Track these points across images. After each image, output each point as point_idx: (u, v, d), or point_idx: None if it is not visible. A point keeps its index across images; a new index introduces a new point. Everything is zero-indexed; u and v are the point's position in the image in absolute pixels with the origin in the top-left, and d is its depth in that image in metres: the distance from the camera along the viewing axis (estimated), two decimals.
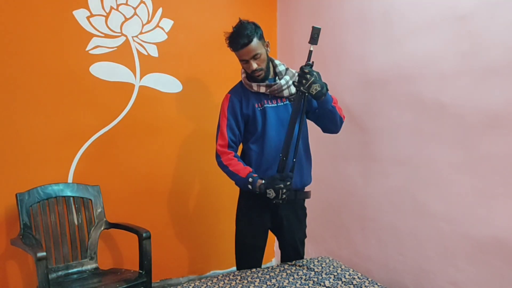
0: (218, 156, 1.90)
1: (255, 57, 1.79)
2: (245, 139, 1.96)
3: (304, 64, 1.72)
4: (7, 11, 2.21)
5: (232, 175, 1.84)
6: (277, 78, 1.90)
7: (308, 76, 1.68)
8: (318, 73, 1.72)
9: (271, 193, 1.68)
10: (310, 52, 1.74)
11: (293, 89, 1.87)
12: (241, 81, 1.96)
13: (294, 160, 1.75)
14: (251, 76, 1.89)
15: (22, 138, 2.27)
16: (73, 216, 2.30)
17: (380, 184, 2.28)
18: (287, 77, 1.88)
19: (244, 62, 1.83)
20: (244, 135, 1.95)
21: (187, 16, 2.75)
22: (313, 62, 1.73)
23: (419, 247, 2.05)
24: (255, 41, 1.78)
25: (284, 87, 1.86)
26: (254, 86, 1.88)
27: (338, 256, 2.53)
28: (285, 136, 1.73)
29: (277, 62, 1.93)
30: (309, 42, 1.71)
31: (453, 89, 1.84)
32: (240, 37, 1.76)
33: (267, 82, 1.88)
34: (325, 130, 1.98)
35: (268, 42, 1.87)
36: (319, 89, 1.69)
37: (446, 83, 1.87)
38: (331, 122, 1.90)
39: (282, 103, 1.90)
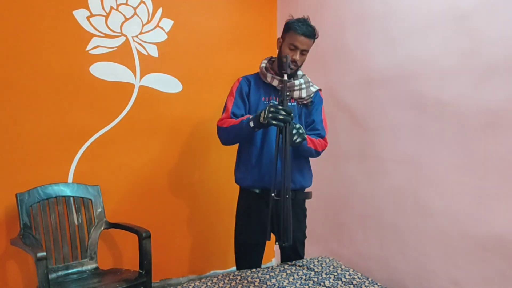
0: (218, 128, 1.89)
1: (303, 51, 1.84)
2: None
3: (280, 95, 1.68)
4: (7, 11, 2.20)
5: (233, 128, 1.81)
6: (292, 78, 1.92)
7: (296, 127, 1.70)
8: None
9: (262, 114, 1.66)
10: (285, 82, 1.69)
11: (304, 93, 1.90)
12: (258, 72, 1.99)
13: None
14: (270, 68, 1.92)
15: (22, 138, 2.27)
16: (73, 216, 2.30)
17: (381, 183, 2.27)
18: (301, 80, 1.92)
19: (293, 48, 1.83)
20: None
21: (187, 16, 2.75)
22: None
23: (420, 246, 2.05)
24: (313, 40, 1.85)
25: (296, 87, 1.89)
26: (269, 77, 1.90)
27: (339, 255, 2.53)
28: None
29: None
30: (283, 72, 1.70)
31: (454, 88, 1.84)
32: (310, 26, 1.83)
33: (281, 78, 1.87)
34: None
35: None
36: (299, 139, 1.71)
37: (446, 82, 1.87)
38: (307, 155, 1.95)
39: (289, 104, 1.90)
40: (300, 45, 1.81)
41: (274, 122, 1.59)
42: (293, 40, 1.82)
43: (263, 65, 1.95)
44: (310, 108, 1.95)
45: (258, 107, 1.90)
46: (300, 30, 1.80)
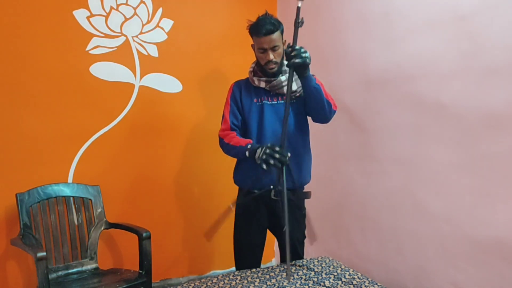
0: (221, 139, 1.91)
1: (274, 48, 1.81)
2: (242, 133, 1.96)
3: (294, 21, 1.70)
4: (7, 11, 2.21)
5: (233, 148, 1.84)
6: (280, 74, 1.90)
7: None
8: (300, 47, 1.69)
9: (259, 151, 1.67)
10: (298, 8, 1.70)
11: (293, 86, 1.86)
12: (248, 77, 1.99)
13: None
14: (259, 70, 1.91)
15: (22, 138, 2.27)
16: (73, 216, 2.30)
17: (380, 184, 2.28)
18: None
19: (262, 51, 1.83)
20: (242, 128, 1.95)
21: (187, 16, 2.75)
22: (302, 18, 1.69)
23: (419, 247, 2.05)
24: (278, 32, 1.80)
25: (283, 83, 1.86)
26: (256, 81, 1.91)
27: (338, 256, 2.53)
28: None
29: (284, 61, 1.93)
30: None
31: (453, 89, 1.84)
32: (266, 24, 1.78)
33: (267, 78, 1.88)
34: (315, 117, 1.92)
35: (285, 40, 1.88)
36: (298, 60, 1.64)
37: (446, 83, 1.87)
38: (318, 104, 1.83)
39: (282, 101, 1.90)
40: (266, 45, 1.80)
41: (264, 166, 1.64)
42: (259, 44, 1.82)
43: (251, 69, 1.96)
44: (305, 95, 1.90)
45: (251, 110, 1.90)
46: (259, 33, 1.79)
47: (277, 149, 1.63)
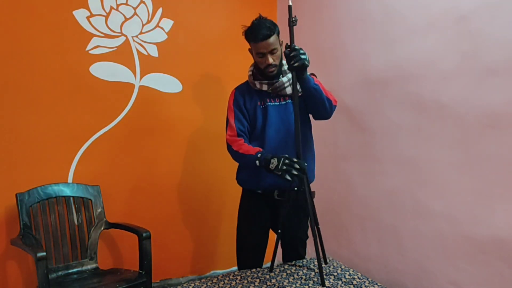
0: (229, 146, 1.90)
1: (272, 51, 1.80)
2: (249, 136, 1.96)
3: (288, 21, 1.68)
4: (7, 11, 2.21)
5: (243, 157, 1.83)
6: (281, 76, 1.90)
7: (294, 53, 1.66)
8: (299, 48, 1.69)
9: (274, 162, 1.65)
10: (290, 7, 1.69)
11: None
12: (247, 80, 1.97)
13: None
14: (258, 73, 1.90)
15: (22, 138, 2.27)
16: (73, 216, 2.30)
17: (380, 184, 2.28)
18: (289, 75, 1.87)
19: (260, 55, 1.81)
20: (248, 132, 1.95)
21: (187, 16, 2.75)
22: (295, 16, 1.69)
23: (419, 247, 2.05)
24: (274, 36, 1.79)
25: (286, 85, 1.86)
26: (257, 84, 1.89)
27: (338, 256, 2.53)
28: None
29: (283, 61, 1.92)
30: None
31: (453, 89, 1.84)
32: (262, 29, 1.77)
33: (268, 81, 1.87)
34: (316, 115, 1.93)
35: (282, 41, 1.87)
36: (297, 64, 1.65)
37: (446, 83, 1.87)
38: (318, 103, 1.83)
39: (284, 102, 1.90)
40: (264, 50, 1.79)
41: (288, 177, 1.62)
42: (257, 49, 1.81)
43: (250, 73, 1.94)
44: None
45: (256, 113, 1.89)
46: (256, 39, 1.78)
47: (295, 160, 1.64)
